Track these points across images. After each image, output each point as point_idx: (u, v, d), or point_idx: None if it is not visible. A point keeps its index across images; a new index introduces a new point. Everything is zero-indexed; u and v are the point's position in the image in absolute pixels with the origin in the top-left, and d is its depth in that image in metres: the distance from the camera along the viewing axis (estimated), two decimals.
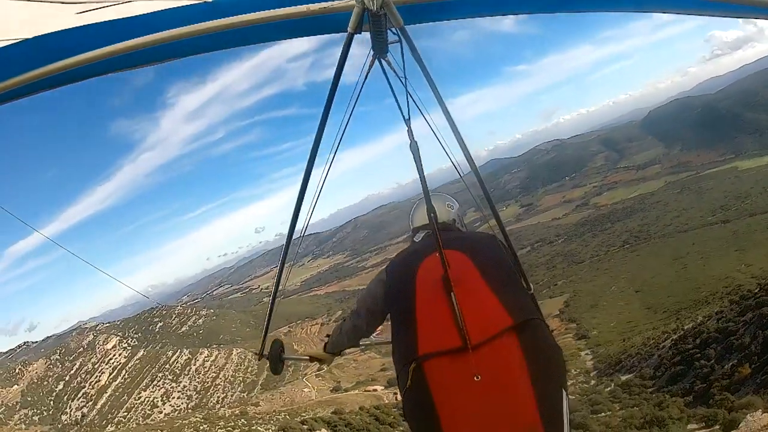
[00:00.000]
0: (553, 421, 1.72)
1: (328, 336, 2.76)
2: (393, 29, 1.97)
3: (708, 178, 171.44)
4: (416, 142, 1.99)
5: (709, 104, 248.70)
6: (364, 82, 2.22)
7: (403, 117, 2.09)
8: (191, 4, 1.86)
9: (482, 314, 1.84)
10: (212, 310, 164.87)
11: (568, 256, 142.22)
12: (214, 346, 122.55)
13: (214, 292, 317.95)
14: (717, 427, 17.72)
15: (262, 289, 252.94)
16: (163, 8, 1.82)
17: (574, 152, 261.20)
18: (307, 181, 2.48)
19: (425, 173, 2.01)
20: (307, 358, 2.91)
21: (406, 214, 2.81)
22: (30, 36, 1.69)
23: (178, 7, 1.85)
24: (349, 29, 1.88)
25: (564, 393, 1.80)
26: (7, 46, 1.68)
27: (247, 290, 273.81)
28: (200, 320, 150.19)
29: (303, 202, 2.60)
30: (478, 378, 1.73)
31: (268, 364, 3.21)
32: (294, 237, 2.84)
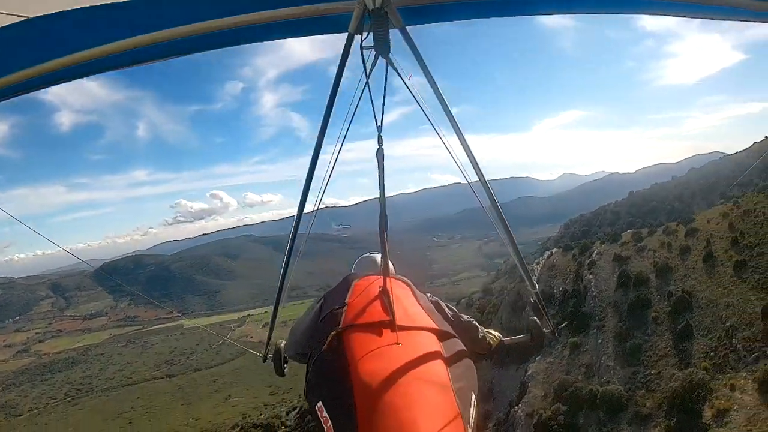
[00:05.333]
0: (464, 400, 1.66)
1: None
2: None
3: (154, 334, 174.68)
4: (383, 148, 2.00)
5: (163, 264, 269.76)
6: (366, 82, 2.16)
7: (376, 122, 2.08)
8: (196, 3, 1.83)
9: (409, 314, 1.93)
10: None
11: (6, 407, 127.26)
12: None
13: None
14: None
15: None
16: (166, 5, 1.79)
17: (22, 293, 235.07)
18: (311, 180, 2.51)
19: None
20: None
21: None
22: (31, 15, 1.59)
23: (182, 5, 1.81)
24: (349, 30, 1.86)
25: (473, 396, 1.74)
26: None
27: None
28: None
29: (305, 204, 2.66)
30: (399, 345, 1.71)
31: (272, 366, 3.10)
32: (294, 240, 2.82)
